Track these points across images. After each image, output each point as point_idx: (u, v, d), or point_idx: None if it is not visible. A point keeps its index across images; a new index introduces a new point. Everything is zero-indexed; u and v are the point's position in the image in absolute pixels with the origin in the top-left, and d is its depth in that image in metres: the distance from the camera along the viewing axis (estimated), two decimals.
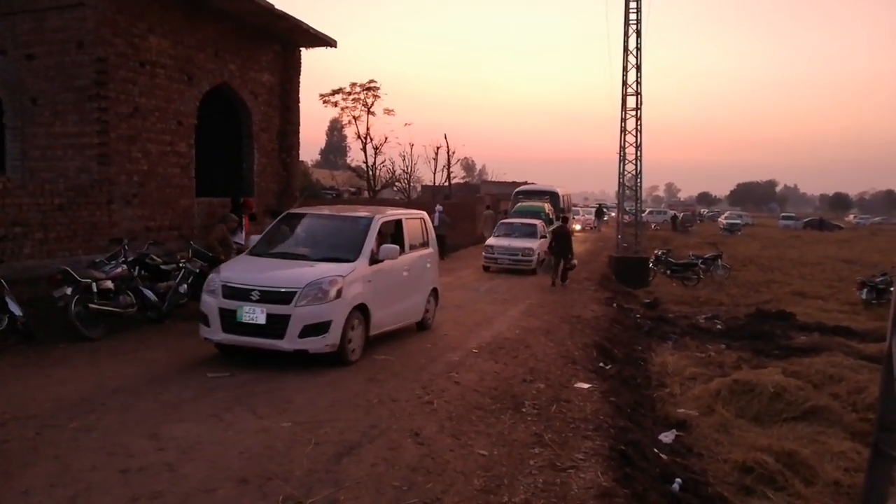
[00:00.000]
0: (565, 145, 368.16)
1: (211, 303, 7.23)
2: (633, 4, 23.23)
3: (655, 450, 6.33)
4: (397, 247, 8.21)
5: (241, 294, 7.07)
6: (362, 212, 8.92)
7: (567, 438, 5.72)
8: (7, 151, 10.66)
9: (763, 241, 42.68)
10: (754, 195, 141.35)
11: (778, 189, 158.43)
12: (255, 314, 6.96)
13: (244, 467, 4.52)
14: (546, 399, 6.81)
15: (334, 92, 37.58)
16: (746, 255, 30.36)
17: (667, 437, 7.01)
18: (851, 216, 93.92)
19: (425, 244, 9.80)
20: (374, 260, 7.88)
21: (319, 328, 6.97)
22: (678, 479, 5.60)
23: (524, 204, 24.83)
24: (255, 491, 4.18)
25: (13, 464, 4.43)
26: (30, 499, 3.95)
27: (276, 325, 6.92)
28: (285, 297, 6.98)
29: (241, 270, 7.56)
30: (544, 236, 19.75)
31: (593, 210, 51.26)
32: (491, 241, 19.25)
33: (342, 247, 8.01)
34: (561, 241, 16.48)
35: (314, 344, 6.97)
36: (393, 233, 8.91)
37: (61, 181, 9.78)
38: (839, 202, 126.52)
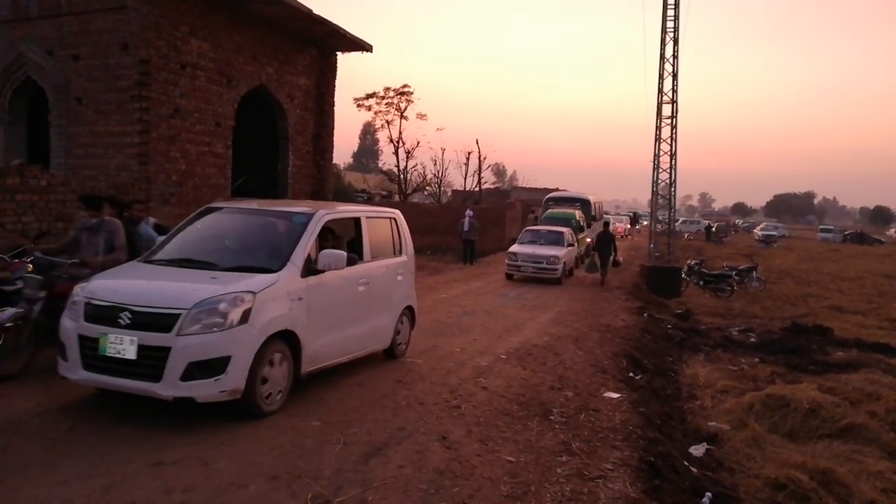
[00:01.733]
0: (597, 152, 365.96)
1: (69, 328, 5.36)
2: (670, 12, 22.98)
3: (685, 463, 6.23)
4: (343, 253, 6.23)
5: (107, 316, 5.18)
6: (302, 206, 6.99)
7: (595, 448, 5.68)
8: (52, 148, 11.00)
9: (800, 253, 41.78)
10: (792, 207, 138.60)
11: (816, 201, 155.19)
12: (123, 345, 5.05)
13: (275, 464, 4.58)
14: (574, 407, 6.76)
15: (368, 96, 37.93)
16: (782, 268, 29.75)
17: (697, 450, 6.89)
18: (892, 230, 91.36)
19: (397, 251, 7.92)
20: (310, 270, 5.97)
21: (211, 367, 5.04)
22: (708, 494, 5.51)
23: (554, 210, 24.69)
24: (284, 488, 4.23)
25: (52, 454, 4.56)
26: (67, 488, 4.05)
27: (151, 362, 5.01)
28: (165, 322, 5.05)
29: (113, 282, 5.65)
30: (571, 244, 19.25)
31: (624, 218, 51.06)
32: (515, 248, 18.53)
33: (264, 252, 6.17)
34: (605, 242, 18.72)
35: (204, 389, 5.03)
36: (352, 237, 7.24)
37: (102, 179, 10.06)
38: (880, 215, 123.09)
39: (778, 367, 11.03)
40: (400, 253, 7.98)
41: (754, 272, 22.17)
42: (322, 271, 6.07)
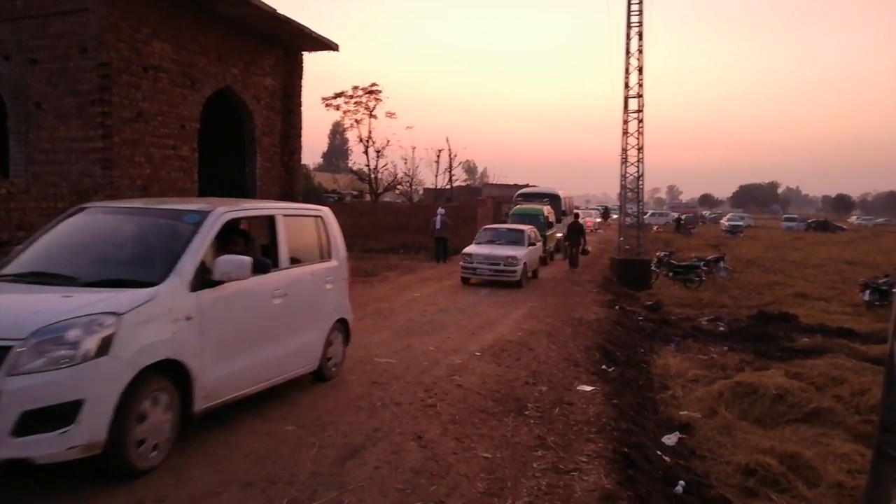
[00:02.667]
0: (567, 148, 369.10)
1: None
2: (634, 7, 23.23)
3: (658, 452, 6.33)
4: (246, 258, 5.12)
5: None
6: (197, 203, 5.74)
7: (570, 441, 5.74)
8: (11, 156, 10.72)
9: (765, 242, 42.67)
10: (756, 197, 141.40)
11: (780, 191, 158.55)
12: None
13: (249, 471, 4.55)
14: (549, 402, 6.82)
15: (336, 95, 37.63)
16: (749, 257, 30.34)
17: (670, 439, 7.02)
18: (854, 217, 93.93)
19: (325, 255, 6.88)
20: (204, 281, 4.89)
21: (55, 416, 3.89)
22: (681, 482, 5.61)
23: (522, 206, 24.44)
24: (259, 494, 4.20)
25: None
26: (37, 501, 3.97)
27: None
28: None
29: None
30: (533, 243, 17.75)
31: (593, 212, 51.88)
32: (470, 248, 16.64)
33: (142, 260, 5.14)
34: (575, 232, 20.78)
35: (45, 447, 3.86)
36: (267, 240, 6.14)
37: (65, 185, 9.84)
38: (841, 203, 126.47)
39: (746, 354, 11.27)
40: (329, 257, 6.94)
41: (722, 262, 22.57)
42: (221, 282, 5.00)
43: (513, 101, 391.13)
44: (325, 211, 7.15)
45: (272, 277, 5.74)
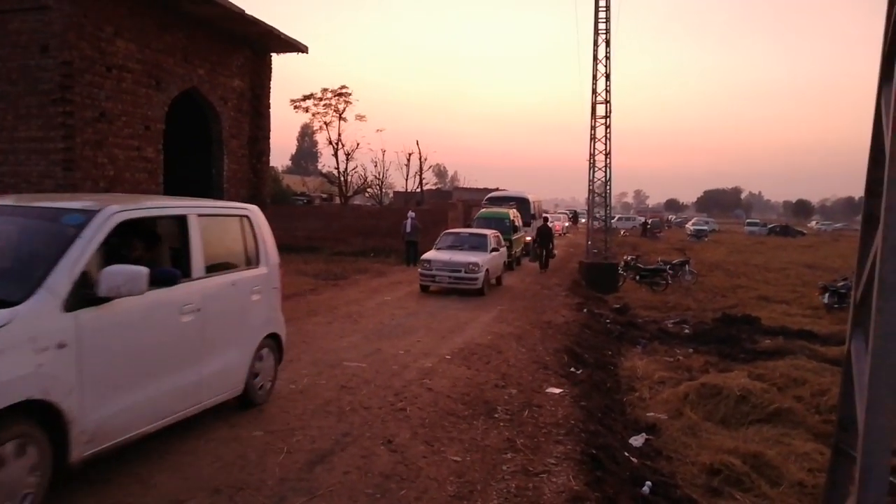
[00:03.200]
0: (537, 152, 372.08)
1: None
2: (602, 14, 23.55)
3: (626, 453, 6.41)
4: (140, 269, 4.11)
5: None
6: (84, 200, 4.79)
7: (539, 443, 5.77)
8: None
9: (729, 246, 43.57)
10: (720, 202, 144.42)
11: (743, 196, 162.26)
12: None
13: (216, 477, 4.48)
14: (518, 404, 6.86)
15: (305, 97, 37.53)
16: (713, 261, 30.93)
17: (637, 440, 7.11)
18: (814, 222, 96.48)
19: (252, 261, 5.94)
20: (84, 299, 3.94)
21: None
22: (648, 482, 5.69)
23: (488, 210, 24.27)
24: (226, 501, 4.14)
25: None
26: None
27: None
28: None
29: None
30: (496, 249, 16.85)
31: (561, 216, 52.69)
32: (430, 254, 15.78)
33: (2, 272, 4.14)
34: (544, 236, 21.58)
35: None
36: (176, 243, 5.22)
37: (24, 187, 9.59)
38: (802, 209, 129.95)
39: (711, 356, 11.49)
40: (256, 263, 5.99)
41: (687, 266, 22.98)
42: (108, 299, 4.04)
43: (484, 106, 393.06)
44: (253, 210, 6.18)
45: (181, 290, 4.81)
